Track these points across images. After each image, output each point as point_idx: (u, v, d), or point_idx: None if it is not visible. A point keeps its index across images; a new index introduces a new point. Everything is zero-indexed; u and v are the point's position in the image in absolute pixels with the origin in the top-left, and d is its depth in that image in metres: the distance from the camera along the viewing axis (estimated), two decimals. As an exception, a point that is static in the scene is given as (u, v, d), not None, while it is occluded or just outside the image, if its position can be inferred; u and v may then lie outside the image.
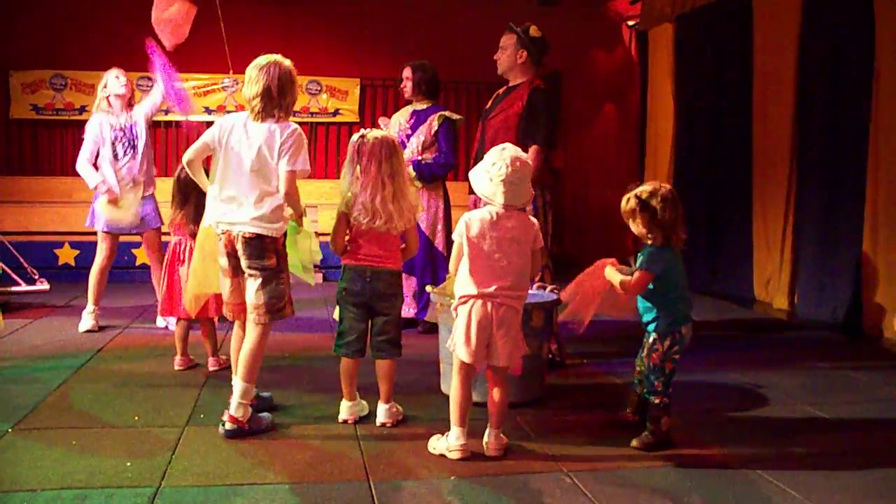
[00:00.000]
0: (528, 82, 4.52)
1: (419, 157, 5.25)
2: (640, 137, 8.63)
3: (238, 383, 3.24)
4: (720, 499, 2.74)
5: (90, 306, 5.24)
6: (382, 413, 3.39)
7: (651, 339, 3.18)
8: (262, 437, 3.21)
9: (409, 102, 5.54)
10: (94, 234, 5.36)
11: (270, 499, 2.65)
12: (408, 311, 5.19)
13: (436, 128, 5.28)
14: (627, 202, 3.18)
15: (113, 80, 5.21)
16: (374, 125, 5.85)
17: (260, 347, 3.26)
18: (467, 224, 3.05)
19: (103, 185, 5.10)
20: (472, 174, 3.12)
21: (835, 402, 3.90)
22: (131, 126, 5.23)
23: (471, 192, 3.50)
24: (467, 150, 7.44)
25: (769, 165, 6.46)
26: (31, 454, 2.98)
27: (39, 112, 8.74)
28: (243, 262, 3.25)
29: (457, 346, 3.05)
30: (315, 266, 5.47)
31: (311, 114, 9.31)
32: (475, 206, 3.77)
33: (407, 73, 5.43)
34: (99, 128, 5.16)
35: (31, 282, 6.36)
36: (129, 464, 2.89)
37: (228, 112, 8.82)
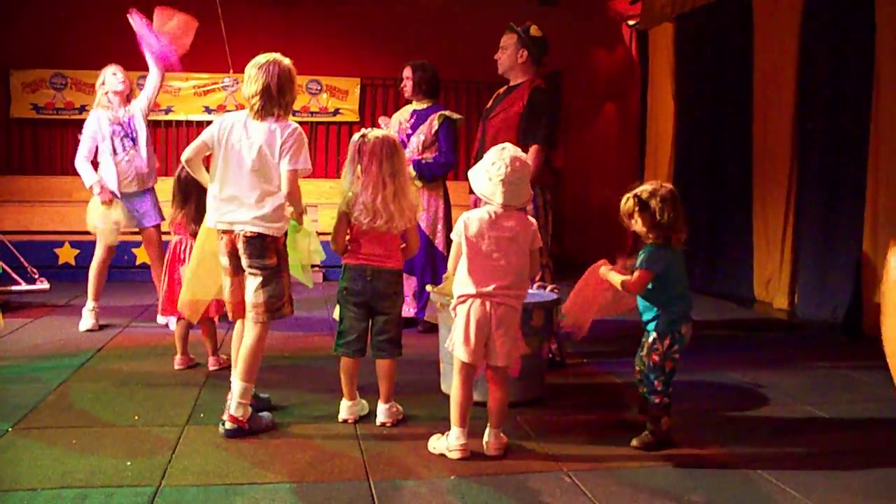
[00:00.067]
0: (529, 82, 4.51)
1: (419, 157, 5.25)
2: (641, 137, 8.63)
3: (237, 383, 3.24)
4: (720, 498, 2.74)
5: (90, 303, 5.25)
6: (382, 412, 3.39)
7: (651, 339, 3.18)
8: (262, 437, 3.21)
9: (409, 102, 5.54)
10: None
11: (270, 498, 2.65)
12: (408, 310, 5.19)
13: (436, 127, 5.28)
14: (626, 202, 3.18)
15: (110, 77, 5.22)
16: (375, 125, 5.85)
17: (259, 346, 3.26)
18: (466, 223, 3.05)
19: (97, 185, 5.10)
20: (472, 173, 3.12)
21: (835, 402, 3.90)
22: (129, 120, 5.23)
23: (471, 191, 3.50)
24: (467, 150, 7.43)
25: (769, 165, 6.46)
26: (31, 453, 2.98)
27: (40, 111, 8.74)
28: (244, 261, 3.25)
29: (455, 345, 3.05)
30: (314, 266, 5.48)
31: (312, 113, 9.30)
32: (476, 206, 3.77)
33: (407, 72, 5.43)
34: (97, 123, 5.17)
35: (31, 281, 6.36)
36: (129, 463, 2.89)
37: (228, 111, 8.80)
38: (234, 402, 3.21)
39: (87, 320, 5.21)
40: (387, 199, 3.26)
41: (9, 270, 6.21)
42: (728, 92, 7.11)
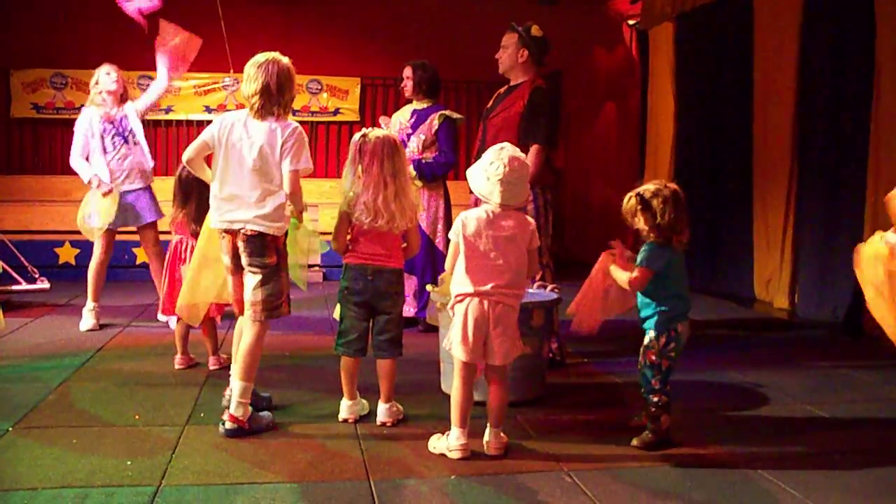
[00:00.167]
0: (530, 81, 4.51)
1: (420, 157, 5.25)
2: (641, 137, 8.63)
3: (237, 382, 3.24)
4: (720, 498, 2.74)
5: (90, 303, 5.25)
6: (383, 412, 3.39)
7: (647, 337, 3.18)
8: (263, 436, 3.21)
9: (409, 102, 5.54)
10: (94, 233, 5.36)
11: (271, 498, 2.65)
12: (408, 310, 5.19)
13: (436, 127, 5.29)
14: (629, 200, 3.18)
15: (104, 77, 5.22)
16: (375, 124, 5.85)
17: (257, 346, 3.26)
18: (464, 223, 3.06)
19: (96, 178, 5.09)
20: (470, 172, 3.12)
21: (835, 402, 3.90)
22: (121, 119, 5.23)
23: (472, 191, 3.50)
24: (468, 150, 7.43)
25: (769, 165, 6.46)
26: (31, 453, 2.98)
27: (40, 111, 8.74)
28: (244, 259, 3.26)
29: (453, 344, 3.05)
30: (314, 266, 5.44)
31: (312, 113, 9.30)
32: (476, 206, 3.77)
33: (407, 72, 5.44)
34: (88, 121, 5.18)
35: (32, 281, 6.36)
36: (129, 463, 2.89)
37: (229, 111, 8.80)
38: (234, 402, 3.22)
39: (87, 320, 5.22)
40: (388, 198, 3.26)
41: (9, 270, 6.20)
42: (728, 92, 7.11)
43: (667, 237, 3.14)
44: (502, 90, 4.69)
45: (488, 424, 3.11)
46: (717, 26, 7.24)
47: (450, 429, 3.06)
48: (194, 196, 4.11)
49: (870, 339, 5.29)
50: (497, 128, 4.48)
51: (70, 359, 4.40)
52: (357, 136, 3.37)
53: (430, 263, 5.25)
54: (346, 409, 3.43)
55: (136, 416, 3.43)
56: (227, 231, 3.28)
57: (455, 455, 3.01)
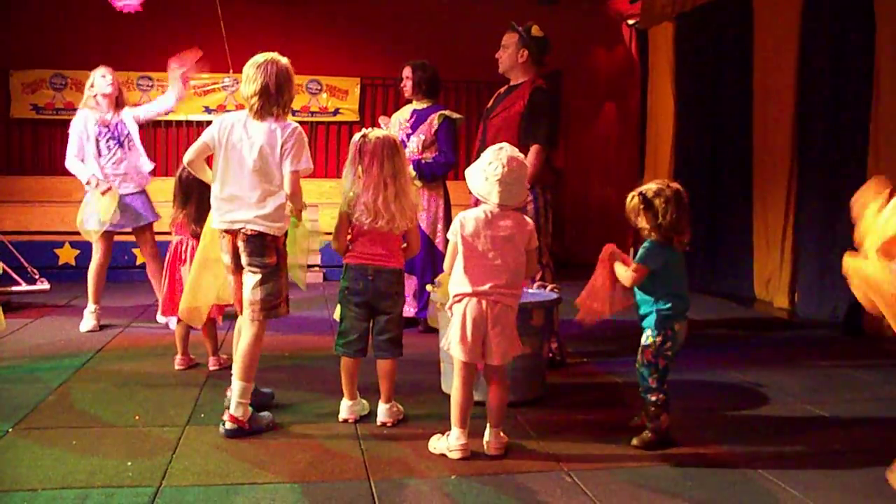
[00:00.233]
0: (530, 81, 4.51)
1: (419, 157, 5.25)
2: (641, 136, 8.63)
3: (236, 382, 3.24)
4: (721, 497, 2.74)
5: (91, 306, 5.25)
6: (383, 412, 3.39)
7: (645, 336, 3.19)
8: (263, 437, 3.21)
9: (409, 102, 5.54)
10: (92, 233, 5.36)
11: (271, 498, 2.65)
12: (408, 310, 5.18)
13: (436, 127, 5.28)
14: (632, 199, 3.18)
15: (99, 79, 5.21)
16: (375, 124, 5.85)
17: (256, 345, 3.27)
18: (462, 223, 3.06)
19: (94, 178, 5.09)
20: (469, 172, 3.13)
21: (835, 401, 3.90)
22: (117, 124, 5.23)
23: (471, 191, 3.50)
24: (468, 150, 7.43)
25: (769, 165, 6.47)
26: (31, 454, 2.98)
27: (39, 112, 8.73)
28: (243, 259, 3.26)
29: (452, 344, 3.05)
30: (313, 266, 5.41)
31: (312, 113, 9.30)
32: (476, 206, 3.77)
33: (407, 72, 5.43)
34: (83, 123, 5.17)
35: (32, 281, 6.36)
36: (129, 463, 2.89)
37: (228, 111, 8.81)
38: (234, 402, 3.22)
39: (87, 321, 5.22)
40: (388, 199, 3.26)
41: (9, 271, 6.21)
42: (728, 91, 7.11)
43: (668, 237, 3.14)
44: (502, 90, 4.69)
45: (488, 424, 3.11)
46: (716, 26, 7.24)
47: (450, 429, 3.06)
48: (194, 197, 4.11)
49: (870, 338, 5.31)
50: (497, 128, 4.48)
51: (70, 359, 4.40)
52: (357, 136, 3.37)
53: (430, 263, 5.25)
54: (346, 409, 3.43)
55: (137, 417, 3.43)
56: (227, 231, 3.28)
57: (455, 455, 3.01)
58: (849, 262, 2.51)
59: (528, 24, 4.56)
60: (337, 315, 3.49)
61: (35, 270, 6.42)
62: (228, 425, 3.19)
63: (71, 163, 5.18)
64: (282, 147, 3.19)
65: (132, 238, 5.54)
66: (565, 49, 7.33)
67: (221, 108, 9.01)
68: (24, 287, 6.28)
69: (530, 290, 4.02)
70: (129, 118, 5.29)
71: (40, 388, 3.82)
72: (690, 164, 7.60)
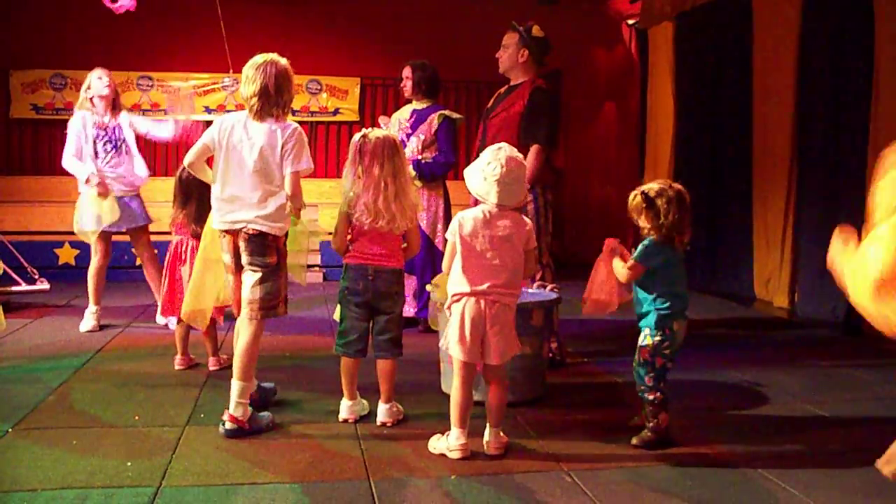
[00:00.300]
0: (530, 81, 4.51)
1: (419, 157, 5.25)
2: (640, 136, 8.63)
3: (235, 382, 3.24)
4: (721, 497, 2.74)
5: (92, 306, 5.25)
6: (383, 412, 3.39)
7: (643, 335, 3.19)
8: (263, 437, 3.21)
9: (409, 101, 5.54)
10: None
11: (271, 498, 2.65)
12: (408, 310, 5.18)
13: (436, 127, 5.28)
14: (634, 198, 3.19)
15: (96, 81, 5.19)
16: (375, 124, 5.85)
17: (254, 344, 3.27)
18: (460, 223, 3.06)
19: (95, 176, 5.07)
20: (467, 172, 3.13)
21: (835, 401, 3.90)
22: (115, 128, 5.22)
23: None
24: (467, 150, 7.43)
25: (769, 164, 6.46)
26: (31, 454, 2.98)
27: (39, 112, 8.73)
28: (244, 258, 3.27)
29: (450, 343, 3.05)
30: (313, 266, 5.39)
31: (311, 113, 9.30)
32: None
33: (407, 72, 5.43)
34: (81, 123, 5.15)
35: (32, 281, 6.36)
36: (129, 464, 2.89)
37: (228, 111, 8.81)
38: (233, 402, 3.22)
39: (87, 321, 5.22)
40: (388, 199, 3.26)
41: (9, 271, 6.20)
42: (728, 91, 7.11)
43: (669, 237, 3.14)
44: (502, 90, 4.69)
45: (488, 424, 3.11)
46: (716, 26, 7.24)
47: (450, 429, 3.06)
48: (195, 197, 4.11)
49: (869, 338, 5.30)
50: (497, 128, 4.48)
51: (70, 360, 4.40)
52: (357, 136, 3.37)
53: (430, 263, 5.25)
54: (346, 409, 3.43)
55: (136, 417, 3.43)
56: (228, 231, 3.29)
57: (455, 455, 3.01)
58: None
59: (529, 23, 4.56)
60: (337, 315, 3.49)
61: (35, 270, 6.42)
62: (228, 425, 3.19)
63: (69, 161, 5.16)
64: (282, 148, 3.20)
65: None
66: (565, 49, 7.34)
67: (221, 109, 9.01)
68: (23, 287, 6.28)
69: (530, 290, 4.02)
70: (126, 124, 5.29)
71: (40, 388, 3.82)
72: (690, 164, 7.60)
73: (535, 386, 3.81)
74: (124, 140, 5.25)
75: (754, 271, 6.69)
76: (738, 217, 6.91)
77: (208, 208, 3.47)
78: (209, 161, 3.39)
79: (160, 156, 8.91)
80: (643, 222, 3.18)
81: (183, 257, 4.24)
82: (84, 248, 5.64)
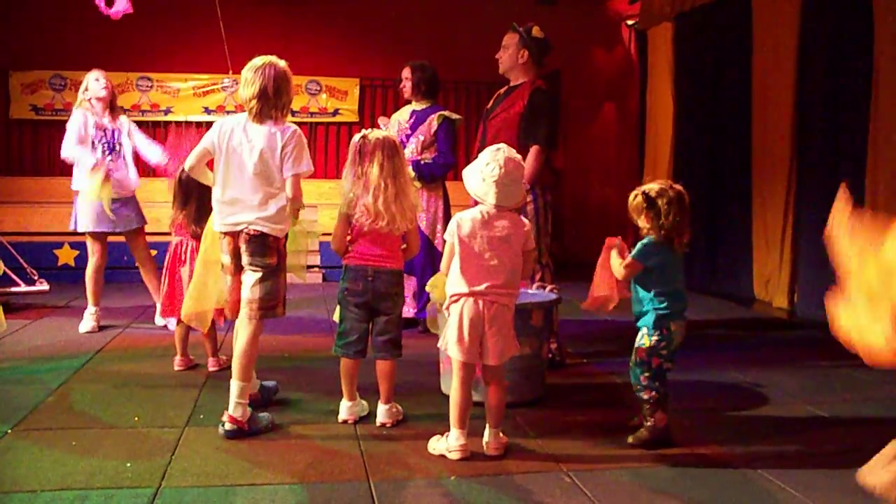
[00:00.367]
0: (530, 82, 4.51)
1: (419, 157, 5.25)
2: (640, 137, 8.63)
3: (234, 382, 3.25)
4: (720, 497, 2.74)
5: (91, 307, 5.25)
6: (382, 413, 3.39)
7: (640, 335, 3.19)
8: (262, 438, 3.21)
9: (408, 102, 5.54)
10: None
11: (270, 499, 2.65)
12: (407, 311, 5.19)
13: (435, 128, 5.29)
14: (635, 198, 3.19)
15: (93, 83, 5.19)
16: (374, 125, 5.85)
17: (253, 344, 3.27)
18: (459, 224, 3.06)
19: (101, 161, 5.03)
20: (466, 173, 3.13)
21: (835, 401, 3.90)
22: (114, 130, 5.22)
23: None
24: (467, 150, 7.44)
25: (769, 165, 6.47)
26: (30, 455, 2.98)
27: (39, 112, 8.73)
28: (245, 259, 3.28)
29: (449, 344, 3.05)
30: (311, 267, 5.37)
31: (311, 114, 9.30)
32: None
33: (406, 73, 5.44)
34: (83, 120, 5.13)
35: (31, 282, 6.36)
36: (128, 464, 2.89)
37: (228, 112, 8.81)
38: (232, 402, 3.22)
39: (87, 322, 5.22)
40: (388, 200, 3.26)
41: (8, 272, 6.20)
42: (727, 91, 7.11)
43: (668, 237, 3.14)
44: (502, 91, 4.69)
45: (487, 425, 3.11)
46: (715, 26, 7.24)
47: (449, 429, 3.06)
48: (194, 197, 4.11)
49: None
50: (497, 128, 4.48)
51: (69, 360, 4.39)
52: (357, 137, 3.37)
53: (430, 264, 5.25)
54: (345, 410, 3.43)
55: (136, 418, 3.43)
56: (228, 233, 3.30)
57: (455, 456, 3.01)
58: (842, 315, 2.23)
59: (529, 24, 4.56)
60: (336, 316, 3.49)
61: (34, 271, 6.42)
62: (228, 426, 3.19)
63: (72, 149, 5.09)
64: (282, 150, 3.22)
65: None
66: (564, 49, 7.35)
67: (221, 109, 9.01)
68: (23, 288, 6.28)
69: (530, 291, 4.02)
70: (126, 130, 5.28)
71: (39, 389, 3.82)
72: (690, 165, 7.61)
73: (535, 386, 3.81)
74: (122, 144, 5.24)
75: (754, 272, 6.69)
76: (738, 217, 6.92)
77: (208, 209, 3.47)
78: (209, 164, 3.40)
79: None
80: (643, 222, 3.18)
81: (183, 258, 4.24)
82: (83, 250, 5.65)
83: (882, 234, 2.10)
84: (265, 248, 3.25)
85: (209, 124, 3.42)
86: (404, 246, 3.44)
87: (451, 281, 3.08)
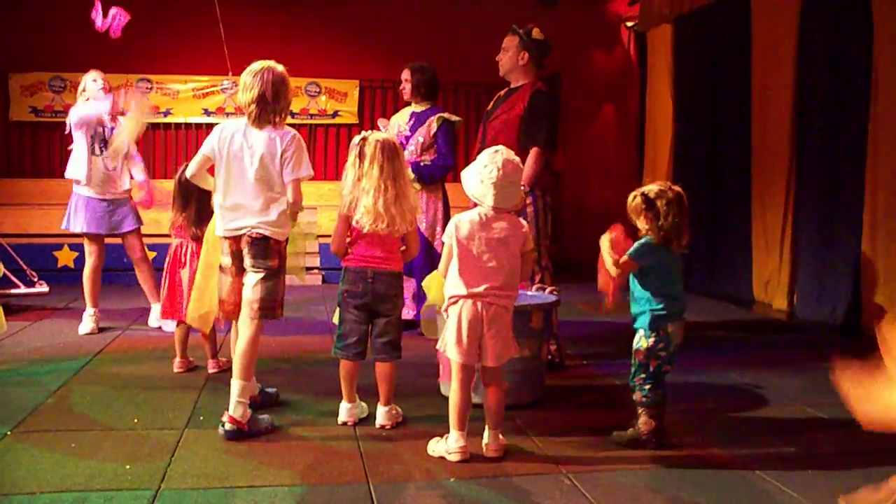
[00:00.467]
0: (530, 84, 4.52)
1: (418, 159, 5.25)
2: (639, 138, 8.63)
3: (235, 382, 3.25)
4: (719, 499, 2.74)
5: (89, 309, 5.25)
6: (382, 415, 3.39)
7: (637, 337, 3.19)
8: (262, 439, 3.21)
9: (408, 104, 5.54)
10: (93, 236, 5.36)
11: (270, 501, 2.65)
12: (407, 312, 5.18)
13: (434, 129, 5.29)
14: (634, 199, 3.19)
15: (91, 84, 5.20)
16: (374, 127, 5.85)
17: (254, 344, 3.29)
18: (457, 225, 3.07)
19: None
20: (464, 175, 3.14)
21: (833, 403, 3.86)
22: (113, 129, 5.23)
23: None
24: (466, 152, 7.44)
25: (768, 166, 6.47)
26: (30, 457, 2.97)
27: (38, 114, 8.74)
28: (247, 261, 3.30)
29: (448, 346, 3.05)
30: (314, 268, 5.37)
31: (311, 115, 9.30)
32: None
33: (406, 74, 5.44)
34: (88, 112, 5.13)
35: (31, 284, 6.36)
36: (128, 467, 2.89)
37: (228, 114, 8.82)
38: (233, 402, 3.23)
39: (86, 324, 5.22)
40: (388, 202, 3.27)
41: (8, 274, 6.21)
42: (726, 93, 7.11)
43: (667, 238, 3.14)
44: (502, 93, 4.69)
45: (487, 427, 3.11)
46: (715, 28, 7.24)
47: (449, 431, 3.06)
48: (194, 199, 4.11)
49: (868, 339, 5.30)
50: (497, 130, 4.48)
51: (69, 362, 4.39)
52: (356, 139, 3.37)
53: (429, 266, 5.24)
54: (345, 411, 3.43)
55: (135, 420, 3.43)
56: (230, 237, 3.32)
57: (454, 457, 3.01)
58: None
59: (529, 26, 4.57)
60: (336, 318, 3.49)
61: (34, 273, 6.42)
62: (228, 426, 3.20)
63: (86, 106, 5.09)
64: (282, 155, 3.25)
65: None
66: (564, 51, 7.36)
67: (220, 111, 9.02)
68: (22, 290, 6.29)
69: (529, 293, 4.02)
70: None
71: (39, 391, 3.82)
72: (689, 166, 7.60)
73: (534, 388, 3.81)
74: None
75: (753, 273, 6.69)
76: (738, 218, 6.91)
77: (208, 212, 3.49)
78: (210, 169, 3.42)
79: (159, 158, 8.93)
80: (642, 224, 3.18)
81: (182, 261, 4.24)
82: (83, 251, 5.65)
83: None
84: (267, 251, 3.27)
85: (209, 126, 3.43)
86: (403, 248, 3.45)
87: (449, 283, 3.08)
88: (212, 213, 3.53)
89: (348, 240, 3.40)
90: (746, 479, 2.91)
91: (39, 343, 4.90)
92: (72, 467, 2.88)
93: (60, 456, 3.00)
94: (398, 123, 5.46)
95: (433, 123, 5.30)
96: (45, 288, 6.35)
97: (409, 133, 5.34)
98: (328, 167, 9.27)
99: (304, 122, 9.11)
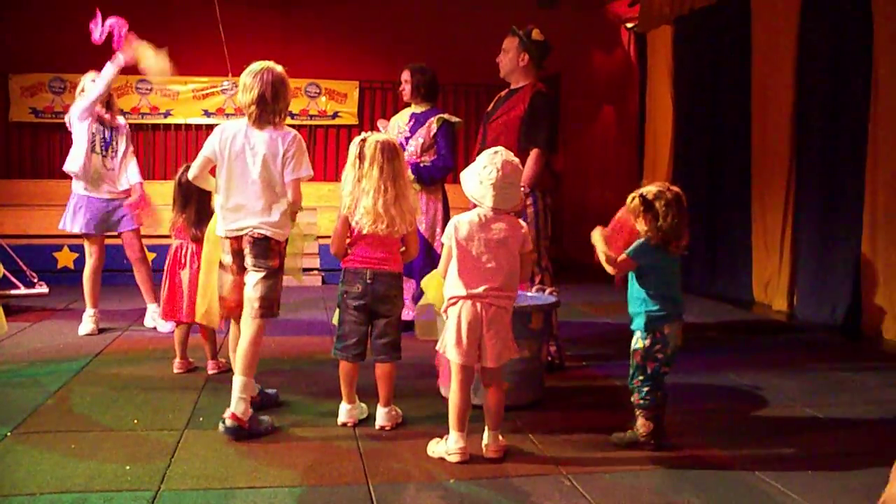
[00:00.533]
0: (531, 86, 4.52)
1: (418, 160, 5.25)
2: (639, 139, 8.64)
3: (237, 378, 3.26)
4: (719, 500, 2.74)
5: (89, 310, 5.25)
6: (382, 416, 3.39)
7: (634, 339, 3.19)
8: (262, 440, 3.21)
9: (407, 105, 5.54)
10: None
11: (269, 501, 2.65)
12: (407, 313, 5.18)
13: (434, 130, 5.29)
14: (632, 200, 3.19)
15: (89, 85, 5.20)
16: (373, 128, 5.85)
17: (257, 341, 3.31)
18: (456, 226, 3.07)
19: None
20: (463, 176, 3.14)
21: (833, 404, 3.90)
22: (112, 128, 5.23)
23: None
24: (466, 153, 7.44)
25: (768, 167, 6.47)
26: (30, 458, 2.97)
27: (38, 115, 8.74)
28: (248, 260, 3.32)
29: (447, 347, 3.05)
30: (314, 269, 5.35)
31: (311, 116, 9.30)
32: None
33: (406, 75, 5.44)
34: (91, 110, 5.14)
35: (31, 285, 6.36)
36: (128, 467, 2.89)
37: (227, 115, 8.82)
38: (235, 398, 3.23)
39: (86, 325, 5.22)
40: (388, 203, 3.27)
41: (8, 275, 6.20)
42: (726, 94, 7.12)
43: (665, 240, 3.14)
44: (503, 94, 4.69)
45: (486, 428, 3.11)
46: (715, 29, 7.25)
47: (448, 432, 3.06)
48: (194, 200, 4.11)
49: (868, 341, 5.31)
50: (497, 131, 4.48)
51: (69, 363, 4.39)
52: (356, 140, 3.38)
53: (429, 267, 5.21)
54: (344, 412, 3.43)
55: (135, 421, 3.43)
56: (231, 238, 3.34)
57: (454, 458, 3.01)
58: None
59: (529, 27, 4.57)
60: (335, 319, 3.50)
61: (34, 274, 6.42)
62: (229, 423, 3.20)
63: (94, 84, 5.07)
64: (283, 155, 3.27)
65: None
66: (564, 52, 7.36)
67: (220, 112, 9.02)
68: (22, 291, 6.28)
69: (529, 294, 4.02)
70: (124, 133, 5.30)
71: (39, 391, 3.82)
72: (689, 167, 7.61)
73: (534, 389, 3.81)
74: (118, 143, 5.25)
75: (753, 274, 6.69)
76: (738, 219, 6.92)
77: (208, 212, 3.49)
78: (211, 171, 3.43)
79: (159, 158, 8.93)
80: (641, 225, 3.18)
81: (182, 261, 4.24)
82: (83, 252, 5.65)
83: None
84: (268, 251, 3.30)
85: (209, 127, 3.44)
86: (403, 249, 3.45)
87: (448, 284, 3.09)
88: (211, 213, 3.55)
89: (348, 241, 3.40)
90: (746, 480, 2.91)
91: (39, 344, 4.90)
92: (72, 468, 2.88)
93: (60, 457, 3.00)
94: (398, 124, 5.46)
95: (433, 124, 5.30)
96: (44, 289, 6.35)
97: (408, 134, 5.34)
98: (328, 168, 9.27)
99: (304, 123, 9.12)
